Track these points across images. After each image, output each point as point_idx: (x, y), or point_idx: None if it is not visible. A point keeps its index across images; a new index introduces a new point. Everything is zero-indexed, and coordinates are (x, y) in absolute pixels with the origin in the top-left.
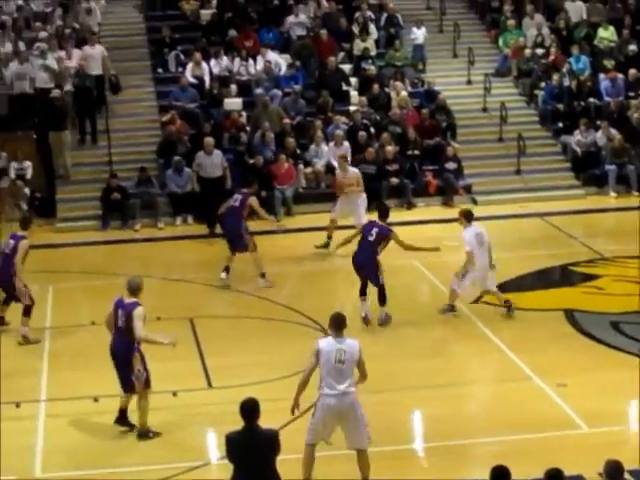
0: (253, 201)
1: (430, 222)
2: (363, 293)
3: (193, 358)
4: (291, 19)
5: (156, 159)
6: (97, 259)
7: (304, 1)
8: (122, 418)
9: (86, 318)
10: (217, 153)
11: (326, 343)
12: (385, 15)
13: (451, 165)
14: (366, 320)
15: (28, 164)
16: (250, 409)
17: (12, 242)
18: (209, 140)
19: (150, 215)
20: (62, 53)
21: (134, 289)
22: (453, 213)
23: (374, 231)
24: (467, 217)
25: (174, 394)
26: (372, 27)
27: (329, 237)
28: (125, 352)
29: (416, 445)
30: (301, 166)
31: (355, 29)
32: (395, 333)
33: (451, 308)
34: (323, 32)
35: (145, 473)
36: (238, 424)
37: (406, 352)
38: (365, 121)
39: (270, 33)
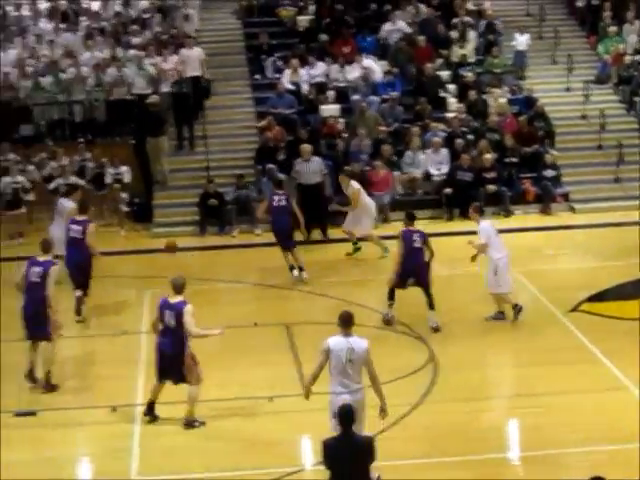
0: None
1: (528, 230)
2: (392, 298)
3: (289, 364)
4: (388, 25)
5: (253, 165)
6: (194, 265)
7: (402, 7)
8: (150, 409)
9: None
10: (316, 160)
11: (336, 342)
12: (484, 21)
13: (549, 173)
14: (391, 321)
15: (125, 169)
16: (347, 415)
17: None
18: (306, 147)
19: (247, 221)
20: (159, 59)
21: (179, 287)
22: (551, 221)
23: (416, 236)
24: (479, 212)
25: (270, 400)
26: (471, 33)
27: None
28: (178, 349)
29: (511, 454)
30: (397, 173)
31: (453, 35)
32: (491, 341)
33: (500, 315)
34: (421, 38)
35: (239, 478)
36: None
37: (502, 360)
38: (463, 128)
39: (367, 39)
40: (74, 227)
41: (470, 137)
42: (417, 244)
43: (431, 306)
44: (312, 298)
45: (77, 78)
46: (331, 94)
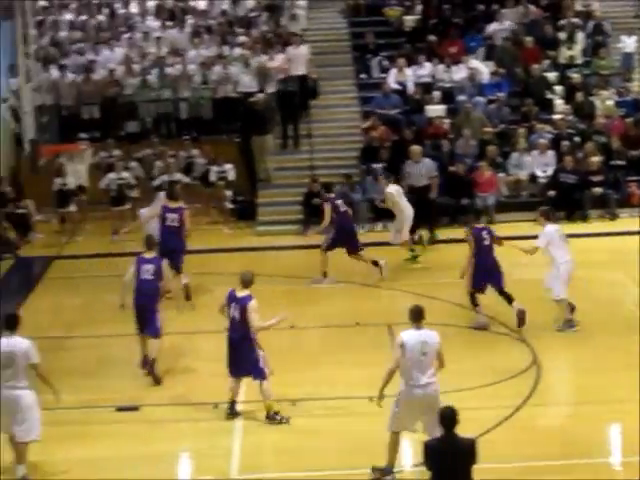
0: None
1: (633, 234)
2: (476, 303)
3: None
4: (495, 25)
5: (357, 165)
6: (297, 263)
7: (509, 6)
8: (233, 408)
9: (284, 322)
10: (426, 162)
11: (409, 336)
12: (592, 23)
13: None
14: (486, 325)
15: (229, 167)
16: (449, 417)
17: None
18: (416, 149)
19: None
20: (266, 57)
21: (247, 282)
22: None
23: (484, 233)
24: (545, 215)
25: (370, 400)
26: (579, 35)
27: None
28: (243, 341)
29: (615, 459)
30: (502, 174)
31: (561, 36)
32: (596, 344)
33: (570, 322)
34: (528, 39)
35: (338, 478)
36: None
37: (607, 364)
38: (569, 130)
39: (474, 39)
40: (170, 215)
41: (576, 139)
42: (486, 242)
43: (509, 301)
44: (414, 298)
45: (183, 75)
46: (437, 94)
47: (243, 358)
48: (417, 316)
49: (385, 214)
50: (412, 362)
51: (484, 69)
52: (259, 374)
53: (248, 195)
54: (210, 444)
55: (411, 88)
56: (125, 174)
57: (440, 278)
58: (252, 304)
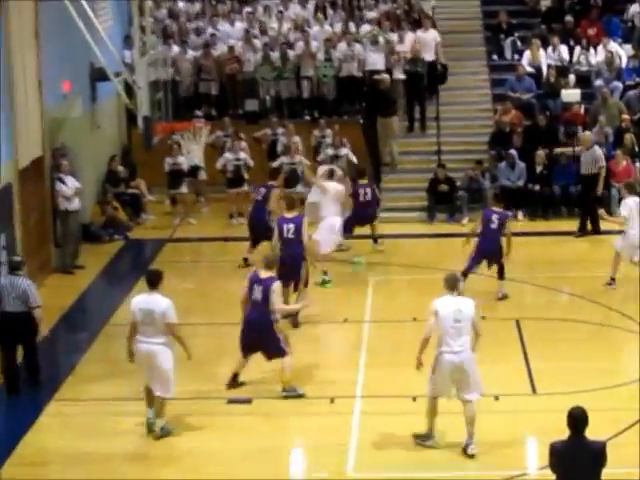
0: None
1: None
2: (465, 274)
3: (518, 361)
4: (636, 7)
5: (487, 150)
6: (421, 252)
7: None
8: (234, 380)
9: (407, 314)
10: (596, 149)
11: (442, 303)
12: None
13: None
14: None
15: (345, 151)
16: (579, 419)
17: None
18: (587, 135)
19: (479, 209)
20: (394, 36)
21: (270, 264)
22: None
23: (494, 217)
24: (628, 188)
25: (496, 398)
26: None
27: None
28: (266, 323)
29: None
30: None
31: None
32: None
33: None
34: None
35: (459, 478)
36: (562, 434)
37: None
38: None
39: (613, 21)
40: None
41: None
42: (493, 225)
43: (501, 276)
44: (544, 292)
45: (306, 53)
46: (572, 78)
47: (263, 340)
48: (452, 284)
49: (516, 204)
50: (445, 329)
51: (623, 52)
52: (281, 352)
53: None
54: (325, 440)
55: (545, 71)
56: (243, 155)
57: (569, 272)
58: (275, 285)
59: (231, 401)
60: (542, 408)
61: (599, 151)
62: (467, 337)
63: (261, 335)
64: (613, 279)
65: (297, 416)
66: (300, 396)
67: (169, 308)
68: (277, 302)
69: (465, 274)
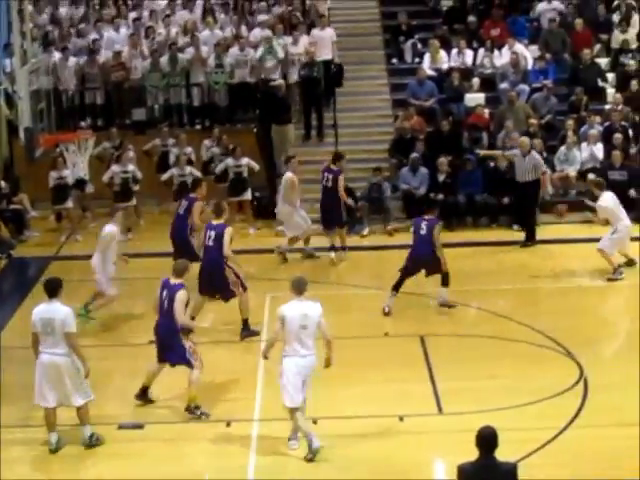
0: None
1: None
2: (396, 289)
3: (423, 380)
4: (542, 6)
5: (388, 158)
6: (322, 266)
7: None
8: (144, 394)
9: None
10: (534, 155)
11: (289, 309)
12: None
13: None
14: (388, 313)
15: (245, 161)
16: (488, 438)
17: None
18: (525, 140)
19: (380, 220)
20: (288, 39)
21: (179, 271)
22: None
23: (423, 224)
24: (599, 186)
25: (401, 419)
26: (634, 17)
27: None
28: (169, 331)
29: None
30: (548, 170)
31: (614, 18)
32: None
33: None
34: (578, 21)
35: None
36: (470, 454)
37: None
38: (623, 122)
39: (518, 21)
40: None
41: (630, 132)
42: (423, 232)
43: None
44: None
45: (196, 58)
46: (476, 81)
47: (166, 347)
48: (299, 288)
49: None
50: (293, 335)
51: (529, 54)
52: (185, 362)
53: (267, 191)
54: (220, 465)
55: (448, 74)
56: (130, 167)
57: (476, 285)
58: (180, 294)
59: (121, 427)
60: (449, 428)
61: (538, 156)
62: (313, 342)
63: (163, 342)
64: (620, 265)
65: (190, 440)
66: (202, 416)
67: (68, 316)
68: (179, 311)
69: (397, 288)
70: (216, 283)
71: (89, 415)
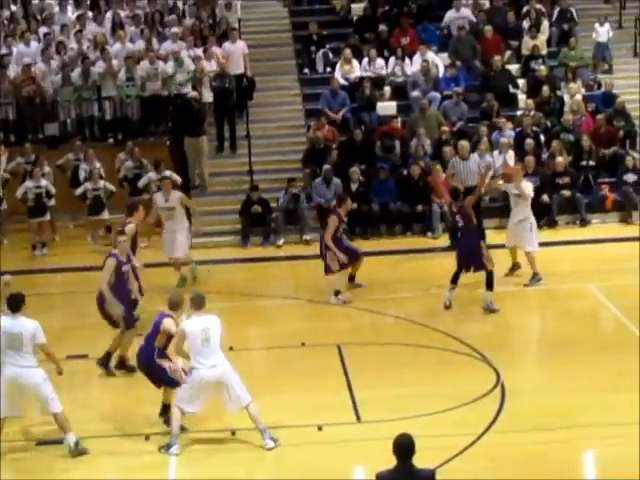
0: None
1: (606, 241)
2: (454, 281)
3: (340, 389)
4: (452, 13)
5: (301, 169)
6: (236, 279)
7: None
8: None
9: (225, 343)
10: (474, 158)
11: (191, 325)
12: (557, 9)
13: (631, 177)
14: (449, 306)
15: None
16: (405, 446)
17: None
18: (465, 144)
19: (295, 230)
20: (199, 51)
21: (173, 305)
22: (632, 231)
23: (457, 217)
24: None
25: (319, 428)
26: (544, 23)
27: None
28: (149, 358)
29: None
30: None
31: (524, 25)
32: (565, 364)
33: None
34: (488, 28)
35: None
36: (389, 462)
37: (578, 385)
38: (534, 128)
39: (428, 29)
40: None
41: (542, 138)
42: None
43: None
44: (367, 315)
45: (107, 72)
46: (388, 90)
47: (150, 370)
48: (198, 304)
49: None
50: (196, 350)
51: (439, 61)
52: (170, 384)
53: None
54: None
55: (359, 83)
56: (43, 182)
57: (391, 293)
58: (164, 321)
59: (40, 443)
60: (367, 436)
61: (479, 159)
62: (219, 352)
63: (144, 368)
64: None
65: (111, 455)
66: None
67: (37, 329)
68: (158, 338)
69: (454, 281)
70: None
71: (68, 423)
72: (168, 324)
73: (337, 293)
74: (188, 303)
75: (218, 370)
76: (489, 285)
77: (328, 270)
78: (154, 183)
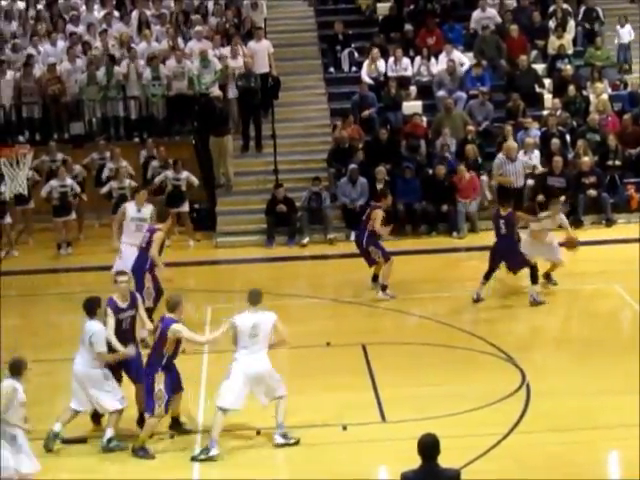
0: None
1: (631, 241)
2: (487, 277)
3: (366, 389)
4: (478, 13)
5: (326, 168)
6: (261, 278)
7: None
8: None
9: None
10: (521, 159)
11: (241, 319)
12: (583, 9)
13: None
14: (477, 300)
15: (185, 175)
16: (430, 446)
17: (147, 235)
18: (512, 145)
19: (320, 230)
20: (225, 50)
21: (171, 306)
22: None
23: (502, 223)
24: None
25: (344, 428)
26: (570, 22)
27: None
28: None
29: None
30: (485, 177)
31: (550, 24)
32: (590, 365)
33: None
34: (514, 27)
35: None
36: (414, 462)
37: (602, 386)
38: (560, 127)
39: (454, 29)
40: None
41: (567, 137)
42: (502, 230)
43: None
44: (391, 315)
45: (133, 71)
46: (413, 89)
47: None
48: (253, 299)
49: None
50: (243, 343)
51: (465, 61)
52: (148, 407)
53: (206, 203)
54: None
55: (385, 83)
56: (69, 181)
57: (416, 293)
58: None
59: (65, 441)
60: (392, 436)
61: (522, 162)
62: (265, 349)
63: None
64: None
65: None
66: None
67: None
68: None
69: (487, 277)
70: None
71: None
72: (178, 328)
73: (384, 288)
74: (246, 298)
75: (258, 365)
76: (534, 279)
77: (372, 262)
78: (170, 182)
